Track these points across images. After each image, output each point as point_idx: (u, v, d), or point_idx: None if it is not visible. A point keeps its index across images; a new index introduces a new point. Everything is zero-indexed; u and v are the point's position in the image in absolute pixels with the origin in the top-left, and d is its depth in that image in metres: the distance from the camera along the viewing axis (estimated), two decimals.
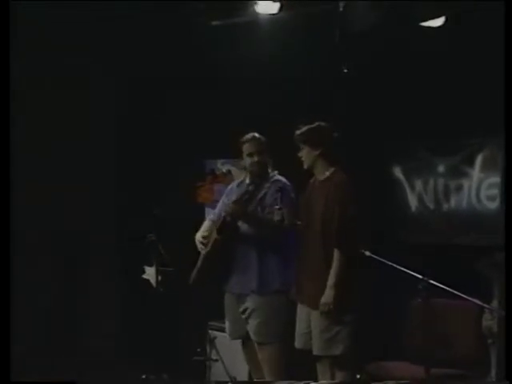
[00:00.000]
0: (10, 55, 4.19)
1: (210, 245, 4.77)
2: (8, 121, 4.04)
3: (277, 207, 4.54)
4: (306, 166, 4.65)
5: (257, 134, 4.88)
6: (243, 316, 4.76)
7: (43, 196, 6.01)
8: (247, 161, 4.85)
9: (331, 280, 4.41)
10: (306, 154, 4.62)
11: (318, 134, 4.61)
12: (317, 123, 4.65)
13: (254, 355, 4.84)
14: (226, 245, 4.74)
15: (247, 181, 4.89)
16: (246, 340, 4.86)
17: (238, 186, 4.97)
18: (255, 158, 4.81)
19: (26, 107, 5.81)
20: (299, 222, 4.62)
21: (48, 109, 6.07)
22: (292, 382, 4.16)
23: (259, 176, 4.81)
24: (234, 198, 4.81)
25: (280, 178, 4.83)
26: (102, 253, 6.41)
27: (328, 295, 4.40)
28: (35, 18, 5.74)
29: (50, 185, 6.05)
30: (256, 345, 4.76)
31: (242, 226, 4.74)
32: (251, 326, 4.73)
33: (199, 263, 4.78)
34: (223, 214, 4.79)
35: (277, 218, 4.53)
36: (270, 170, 4.85)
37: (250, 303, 4.73)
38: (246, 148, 4.83)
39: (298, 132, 4.66)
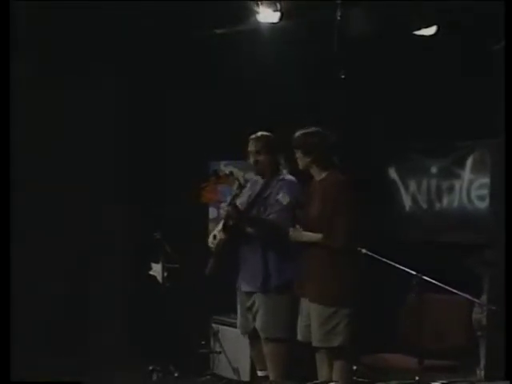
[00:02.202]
0: (10, 55, 4.20)
1: (217, 244, 4.89)
2: (8, 121, 4.05)
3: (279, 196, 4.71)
4: (300, 168, 4.73)
5: (263, 133, 4.93)
6: (251, 312, 4.89)
7: (44, 196, 6.02)
8: (250, 159, 4.95)
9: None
10: (299, 159, 4.69)
11: (310, 141, 4.62)
12: (310, 129, 4.68)
13: (259, 349, 4.98)
14: (232, 244, 4.86)
15: (260, 180, 4.97)
16: (252, 334, 4.97)
17: (253, 184, 5.04)
18: (253, 158, 4.90)
19: (26, 107, 5.79)
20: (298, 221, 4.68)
21: (48, 109, 6.05)
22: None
23: (262, 175, 4.91)
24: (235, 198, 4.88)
25: (289, 177, 4.90)
26: (104, 251, 6.42)
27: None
28: (35, 18, 5.69)
29: (50, 185, 6.05)
30: (262, 340, 4.87)
31: (245, 226, 4.83)
32: (258, 322, 4.85)
33: (211, 260, 4.89)
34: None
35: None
36: (280, 169, 4.91)
37: (256, 300, 4.85)
38: (249, 146, 4.92)
39: (293, 136, 4.71)
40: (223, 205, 5.05)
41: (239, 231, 4.84)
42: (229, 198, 4.91)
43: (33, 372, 5.19)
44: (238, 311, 5.05)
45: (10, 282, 3.97)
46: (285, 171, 4.94)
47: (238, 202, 4.87)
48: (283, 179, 4.88)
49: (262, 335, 4.87)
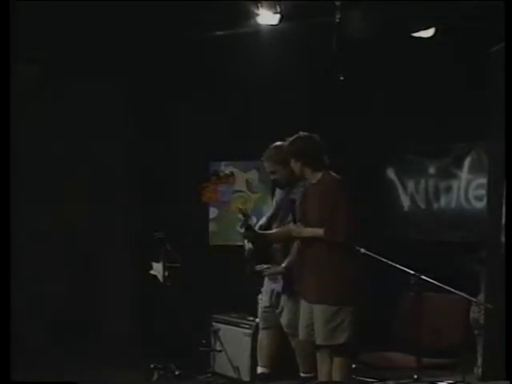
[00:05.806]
0: (10, 55, 4.18)
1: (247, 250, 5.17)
2: (8, 121, 4.06)
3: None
4: (296, 173, 4.77)
5: (272, 148, 5.04)
6: (276, 310, 5.08)
7: (45, 195, 6.06)
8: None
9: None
10: (292, 165, 4.73)
11: (298, 146, 4.68)
12: (296, 135, 4.72)
13: (271, 344, 5.19)
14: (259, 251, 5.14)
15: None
16: (274, 329, 5.17)
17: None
18: (272, 176, 5.13)
19: (26, 107, 5.82)
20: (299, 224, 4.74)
21: (50, 108, 6.12)
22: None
23: (284, 186, 5.10)
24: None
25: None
26: (105, 250, 6.47)
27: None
28: (37, 18, 5.67)
29: (51, 184, 6.10)
30: (289, 336, 5.04)
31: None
32: (283, 320, 5.04)
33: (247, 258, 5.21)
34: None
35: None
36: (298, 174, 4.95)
37: (281, 300, 5.05)
38: (266, 167, 5.13)
39: (285, 144, 4.77)
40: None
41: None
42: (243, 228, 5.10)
43: (33, 372, 5.22)
44: (261, 307, 5.24)
45: (10, 282, 3.96)
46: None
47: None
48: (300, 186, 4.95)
49: (286, 331, 5.04)
